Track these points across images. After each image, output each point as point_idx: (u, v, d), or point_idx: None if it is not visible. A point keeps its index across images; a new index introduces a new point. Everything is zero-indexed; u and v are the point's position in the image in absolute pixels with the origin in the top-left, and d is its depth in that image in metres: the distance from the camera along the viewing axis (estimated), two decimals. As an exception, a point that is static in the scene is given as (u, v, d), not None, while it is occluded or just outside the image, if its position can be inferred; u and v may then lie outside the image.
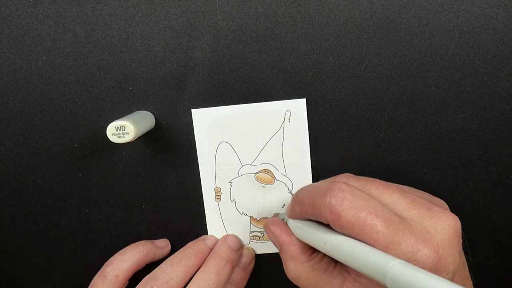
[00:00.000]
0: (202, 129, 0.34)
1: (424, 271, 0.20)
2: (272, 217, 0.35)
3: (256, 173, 0.35)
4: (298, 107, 0.34)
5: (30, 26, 0.33)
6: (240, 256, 0.36)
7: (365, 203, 0.24)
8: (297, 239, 0.28)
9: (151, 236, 0.37)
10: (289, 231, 0.29)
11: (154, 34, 0.33)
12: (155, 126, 0.34)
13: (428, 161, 0.34)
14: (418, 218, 0.24)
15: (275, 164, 0.35)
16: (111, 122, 0.29)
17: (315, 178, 0.35)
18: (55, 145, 0.35)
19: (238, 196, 0.36)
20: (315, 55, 0.33)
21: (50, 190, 0.36)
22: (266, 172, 0.35)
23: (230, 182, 0.35)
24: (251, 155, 0.35)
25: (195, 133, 0.34)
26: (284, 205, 0.36)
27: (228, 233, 0.36)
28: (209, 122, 0.34)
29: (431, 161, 0.34)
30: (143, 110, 0.34)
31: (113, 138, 0.29)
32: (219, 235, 0.36)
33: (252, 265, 0.37)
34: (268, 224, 0.31)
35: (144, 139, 0.35)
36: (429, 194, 0.29)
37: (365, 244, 0.23)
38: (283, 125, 0.34)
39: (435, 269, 0.22)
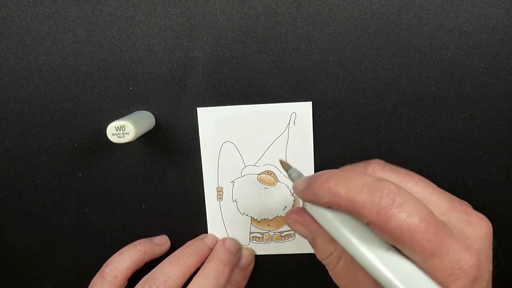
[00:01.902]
0: (206, 128, 0.34)
1: None
2: (280, 161, 0.30)
3: (259, 174, 0.35)
4: (303, 110, 0.33)
5: (30, 26, 0.33)
6: (240, 257, 0.36)
7: (416, 208, 0.22)
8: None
9: (151, 236, 0.37)
10: (313, 219, 0.26)
11: (154, 34, 0.33)
12: (155, 126, 0.34)
13: (428, 161, 0.34)
14: (456, 223, 0.23)
15: (278, 166, 0.35)
16: (111, 122, 0.29)
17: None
18: (55, 145, 0.35)
19: (239, 197, 0.36)
20: (315, 55, 0.33)
21: (50, 190, 0.36)
22: (269, 174, 0.35)
23: (233, 182, 0.35)
24: (255, 156, 0.35)
25: (199, 132, 0.34)
26: (285, 207, 0.36)
27: (228, 233, 0.36)
28: (214, 121, 0.34)
29: (431, 161, 0.34)
30: (143, 110, 0.34)
31: (113, 138, 0.29)
32: (219, 235, 0.36)
33: (251, 266, 0.36)
34: (292, 214, 0.27)
35: (144, 139, 0.35)
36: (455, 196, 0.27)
37: (422, 273, 0.22)
38: (288, 127, 0.34)
39: (477, 276, 0.21)
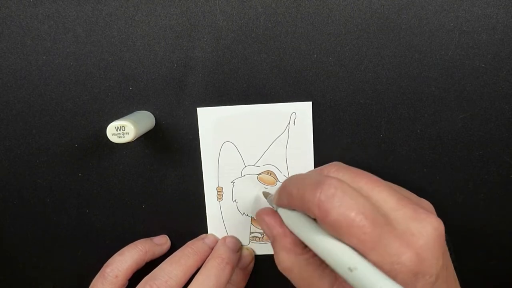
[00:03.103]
0: (206, 128, 0.34)
1: None
2: (263, 192, 0.35)
3: (259, 174, 0.35)
4: (303, 109, 0.34)
5: (30, 26, 0.33)
6: (240, 256, 0.36)
7: (355, 202, 0.23)
8: (290, 230, 0.28)
9: (151, 236, 0.37)
10: (282, 222, 0.28)
11: (154, 34, 0.33)
12: (155, 126, 0.34)
13: (428, 161, 0.34)
14: (403, 219, 0.24)
15: (278, 166, 0.35)
16: (111, 122, 0.29)
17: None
18: (55, 145, 0.35)
19: (239, 197, 0.36)
20: (315, 55, 0.33)
21: (50, 190, 0.36)
22: (269, 174, 0.35)
23: (233, 182, 0.35)
24: (255, 156, 0.35)
25: (199, 132, 0.34)
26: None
27: (228, 233, 0.36)
28: (214, 121, 0.34)
29: (431, 161, 0.34)
30: (143, 110, 0.34)
31: (113, 138, 0.29)
32: (219, 235, 0.36)
33: (251, 266, 0.37)
34: (261, 214, 0.29)
35: (144, 139, 0.35)
36: (416, 196, 0.28)
37: (356, 254, 0.23)
38: (288, 127, 0.34)
39: (419, 271, 0.22)
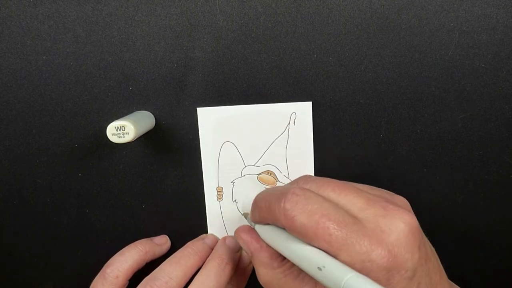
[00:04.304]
0: (206, 128, 0.34)
1: (376, 284, 0.20)
2: (242, 215, 0.36)
3: (259, 174, 0.35)
4: (303, 109, 0.34)
5: (30, 26, 0.33)
6: (240, 256, 0.36)
7: (318, 207, 0.24)
8: (267, 245, 0.28)
9: (151, 236, 0.37)
10: (259, 238, 0.29)
11: (154, 34, 0.33)
12: (155, 126, 0.34)
13: (428, 161, 0.34)
14: (373, 218, 0.24)
15: (278, 166, 0.35)
16: (111, 122, 0.29)
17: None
18: (55, 145, 0.35)
19: (240, 197, 0.36)
20: (315, 55, 0.33)
21: (50, 190, 0.36)
22: (269, 174, 0.35)
23: (233, 182, 0.35)
24: (255, 156, 0.35)
25: (199, 132, 0.34)
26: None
27: (228, 233, 0.36)
28: (214, 121, 0.34)
29: (431, 161, 0.34)
30: (143, 110, 0.34)
31: (113, 138, 0.29)
32: (219, 235, 0.36)
33: (251, 266, 0.36)
34: (239, 231, 0.30)
35: (144, 139, 0.35)
36: (389, 192, 0.28)
37: (323, 253, 0.23)
38: (288, 127, 0.34)
39: (392, 267, 0.22)
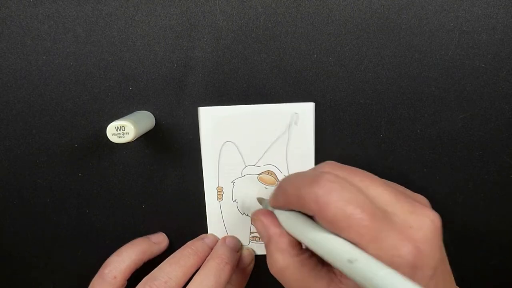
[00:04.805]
0: (207, 128, 0.34)
1: (411, 282, 0.19)
2: (257, 199, 0.34)
3: (259, 174, 0.35)
4: (305, 110, 0.33)
5: (30, 26, 0.33)
6: (240, 256, 0.36)
7: (353, 196, 0.23)
8: (286, 231, 0.27)
9: (151, 236, 0.37)
10: (278, 223, 0.28)
11: (154, 34, 0.33)
12: (155, 126, 0.34)
13: (428, 161, 0.34)
14: (401, 213, 0.24)
15: (279, 166, 0.35)
16: (111, 122, 0.29)
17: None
18: (55, 145, 0.35)
19: (240, 196, 0.36)
20: (315, 55, 0.33)
21: (50, 190, 0.36)
22: (269, 174, 0.35)
23: (233, 182, 0.35)
24: (255, 156, 0.35)
25: (200, 131, 0.34)
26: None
27: (228, 233, 0.36)
28: (215, 120, 0.34)
29: (431, 161, 0.34)
30: (143, 110, 0.34)
31: (113, 138, 0.29)
32: (219, 235, 0.36)
33: (252, 266, 0.36)
34: (258, 214, 0.29)
35: (144, 139, 0.35)
36: (411, 191, 0.28)
37: (354, 246, 0.22)
38: (289, 128, 0.34)
39: (417, 265, 0.22)
